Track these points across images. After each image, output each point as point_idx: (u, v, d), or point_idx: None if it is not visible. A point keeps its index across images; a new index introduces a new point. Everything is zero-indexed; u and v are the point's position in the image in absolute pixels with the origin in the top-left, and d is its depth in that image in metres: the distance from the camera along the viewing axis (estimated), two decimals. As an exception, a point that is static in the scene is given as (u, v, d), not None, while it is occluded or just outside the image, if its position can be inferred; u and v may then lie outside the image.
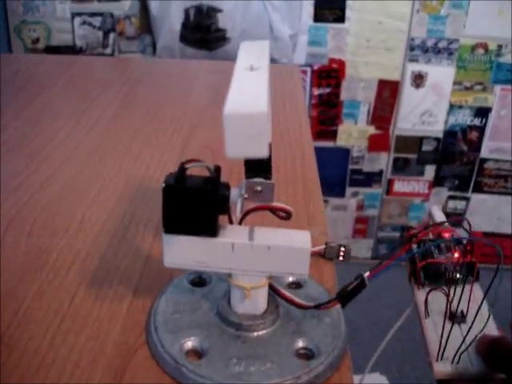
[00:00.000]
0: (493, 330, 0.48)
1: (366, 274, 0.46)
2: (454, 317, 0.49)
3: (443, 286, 0.48)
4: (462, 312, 0.49)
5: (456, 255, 0.52)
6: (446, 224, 0.55)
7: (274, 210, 0.47)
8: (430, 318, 0.50)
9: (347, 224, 2.34)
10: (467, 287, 0.49)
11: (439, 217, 0.57)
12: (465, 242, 0.50)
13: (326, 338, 0.48)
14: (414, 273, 0.52)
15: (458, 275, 0.50)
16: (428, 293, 0.49)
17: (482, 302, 0.49)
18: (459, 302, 0.49)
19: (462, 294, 0.49)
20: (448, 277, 0.50)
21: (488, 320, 0.48)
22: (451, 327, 0.47)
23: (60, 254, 0.60)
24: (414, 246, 0.53)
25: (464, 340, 0.46)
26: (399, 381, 1.83)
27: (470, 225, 0.50)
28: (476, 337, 0.46)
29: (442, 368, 0.46)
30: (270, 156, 0.45)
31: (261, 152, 0.38)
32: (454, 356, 0.46)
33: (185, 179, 0.43)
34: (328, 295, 0.54)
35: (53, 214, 0.68)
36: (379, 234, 2.36)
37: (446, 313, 0.48)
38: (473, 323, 0.47)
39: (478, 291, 0.50)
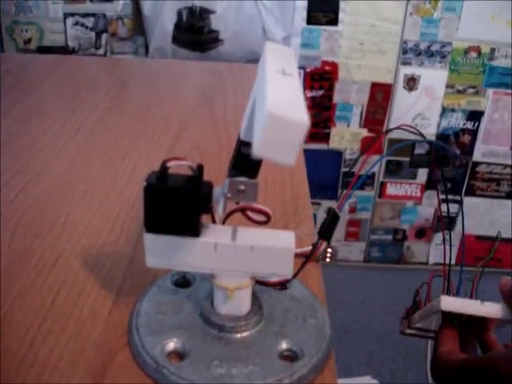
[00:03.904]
0: None
1: (335, 206, 0.49)
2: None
3: None
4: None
5: None
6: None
7: (248, 214, 0.46)
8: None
9: (339, 227, 2.33)
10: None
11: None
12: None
13: (309, 340, 0.48)
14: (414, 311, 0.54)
15: None
16: (431, 279, 0.50)
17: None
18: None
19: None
20: None
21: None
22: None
23: (43, 255, 0.59)
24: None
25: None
26: (391, 384, 1.82)
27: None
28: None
29: (450, 298, 0.47)
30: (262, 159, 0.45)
31: (288, 160, 0.37)
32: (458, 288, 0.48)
33: (166, 178, 0.43)
34: (314, 297, 0.53)
35: (37, 214, 0.67)
36: (371, 237, 2.36)
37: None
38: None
39: None
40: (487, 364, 0.44)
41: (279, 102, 0.37)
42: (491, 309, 0.47)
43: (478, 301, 0.47)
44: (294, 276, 0.48)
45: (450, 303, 0.47)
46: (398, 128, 0.54)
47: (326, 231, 0.49)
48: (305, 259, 0.48)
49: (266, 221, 0.46)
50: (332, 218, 0.49)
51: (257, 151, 0.37)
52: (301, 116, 0.36)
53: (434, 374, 0.48)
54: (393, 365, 1.90)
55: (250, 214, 0.46)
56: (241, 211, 0.46)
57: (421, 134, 0.51)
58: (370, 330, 1.98)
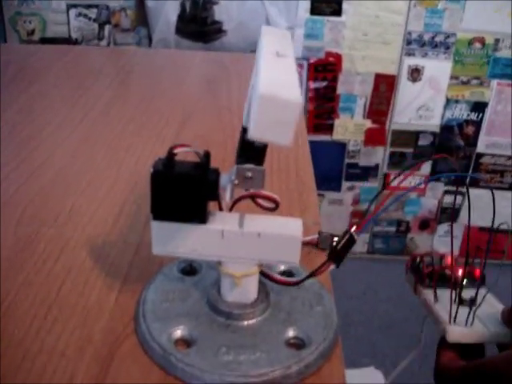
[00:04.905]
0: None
1: (353, 229, 0.46)
2: (464, 301, 0.49)
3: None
4: (470, 297, 0.49)
5: (460, 271, 0.52)
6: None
7: (259, 201, 0.46)
8: (439, 303, 0.50)
9: (343, 218, 2.33)
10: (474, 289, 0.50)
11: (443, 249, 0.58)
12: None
13: (316, 328, 0.47)
14: (420, 280, 0.53)
15: (464, 281, 0.51)
16: (436, 278, 0.49)
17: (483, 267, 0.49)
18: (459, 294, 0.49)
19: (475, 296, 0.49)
20: (454, 280, 0.50)
21: (487, 293, 0.49)
22: (460, 294, 0.48)
23: (48, 244, 0.59)
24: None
25: (475, 300, 0.47)
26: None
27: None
28: (485, 296, 0.48)
29: (456, 328, 0.46)
30: (267, 145, 0.44)
31: (285, 140, 0.37)
32: (467, 319, 0.47)
33: (173, 165, 0.43)
34: (320, 284, 0.53)
35: (42, 203, 0.67)
36: (375, 229, 2.35)
37: (454, 295, 0.48)
38: (478, 288, 0.49)
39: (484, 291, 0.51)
40: (488, 367, 0.44)
41: (271, 83, 0.37)
42: (497, 336, 0.47)
43: (485, 329, 0.47)
44: (302, 281, 0.48)
45: (457, 335, 0.47)
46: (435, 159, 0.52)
47: (337, 254, 0.46)
48: (310, 273, 0.47)
49: (275, 207, 0.45)
50: (347, 241, 0.46)
51: (253, 133, 0.37)
52: (293, 95, 0.36)
53: (437, 382, 0.48)
54: (396, 356, 1.90)
55: (259, 200, 0.46)
56: (250, 198, 0.45)
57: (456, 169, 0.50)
58: (373, 321, 1.98)
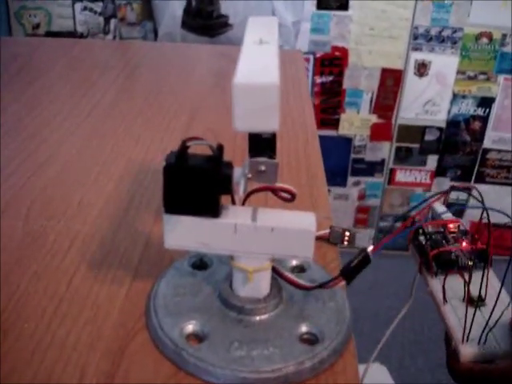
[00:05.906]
0: None
1: (370, 249, 0.45)
2: (473, 301, 0.48)
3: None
4: (480, 296, 0.48)
5: (464, 244, 0.51)
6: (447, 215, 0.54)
7: (277, 192, 0.46)
8: (449, 304, 0.49)
9: (348, 213, 2.33)
10: (481, 273, 0.48)
11: (441, 209, 0.57)
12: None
13: (329, 323, 0.47)
14: (426, 263, 0.51)
15: (470, 262, 0.50)
16: (445, 277, 0.48)
17: (502, 285, 0.48)
18: (480, 287, 0.48)
19: (482, 279, 0.48)
20: (460, 264, 0.49)
21: (510, 303, 0.47)
22: (475, 310, 0.46)
23: (57, 237, 0.59)
24: (422, 238, 0.53)
25: (488, 321, 0.45)
26: (399, 371, 1.82)
27: (479, 193, 0.49)
28: (500, 317, 0.46)
29: (469, 349, 0.45)
30: (275, 135, 0.44)
31: (271, 126, 0.37)
32: (480, 337, 0.45)
33: (186, 158, 0.42)
34: (332, 280, 0.53)
35: (50, 197, 0.67)
36: (381, 224, 2.35)
37: (465, 295, 0.48)
38: (495, 305, 0.46)
39: (493, 277, 0.49)
40: (495, 373, 0.43)
41: (245, 71, 0.36)
42: (509, 354, 0.46)
43: (498, 347, 0.46)
44: (312, 288, 0.47)
45: (469, 357, 0.46)
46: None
47: (350, 271, 0.45)
48: (319, 284, 0.47)
49: (291, 198, 0.45)
50: (362, 260, 0.45)
51: (237, 125, 0.37)
52: (268, 78, 0.36)
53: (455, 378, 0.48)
54: (401, 351, 1.90)
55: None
56: (271, 191, 0.45)
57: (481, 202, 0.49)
58: (379, 317, 1.98)
